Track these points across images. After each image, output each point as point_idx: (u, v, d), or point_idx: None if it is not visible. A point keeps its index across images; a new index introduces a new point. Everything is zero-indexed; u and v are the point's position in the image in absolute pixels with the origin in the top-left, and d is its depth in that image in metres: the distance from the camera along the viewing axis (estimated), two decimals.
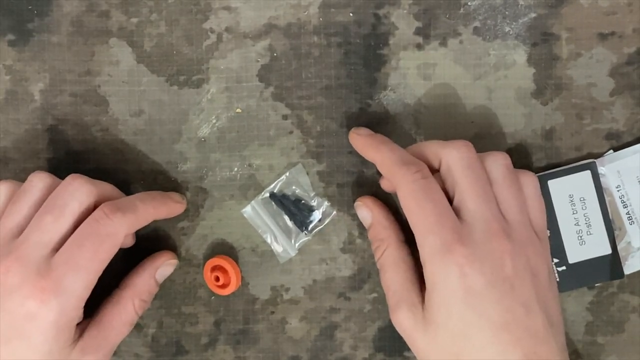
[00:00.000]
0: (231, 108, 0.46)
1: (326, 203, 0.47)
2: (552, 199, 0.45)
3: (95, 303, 0.43)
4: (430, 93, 0.46)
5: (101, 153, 0.47)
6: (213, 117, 0.46)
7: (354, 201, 0.46)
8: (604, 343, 0.47)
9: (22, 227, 0.41)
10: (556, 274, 0.46)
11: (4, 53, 0.46)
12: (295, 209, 0.46)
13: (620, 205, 0.46)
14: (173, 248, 0.47)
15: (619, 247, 0.46)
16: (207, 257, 0.47)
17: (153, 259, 0.46)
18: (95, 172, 0.45)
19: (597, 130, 0.46)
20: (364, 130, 0.45)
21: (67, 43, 0.46)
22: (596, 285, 0.47)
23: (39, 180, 0.42)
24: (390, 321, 0.42)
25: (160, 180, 0.47)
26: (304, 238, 0.47)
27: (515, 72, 0.46)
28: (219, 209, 0.47)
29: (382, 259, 0.43)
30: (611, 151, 0.46)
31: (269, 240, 0.47)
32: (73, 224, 0.41)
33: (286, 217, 0.47)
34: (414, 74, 0.46)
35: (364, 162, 0.46)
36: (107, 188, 0.43)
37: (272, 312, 0.47)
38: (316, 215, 0.47)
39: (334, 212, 0.47)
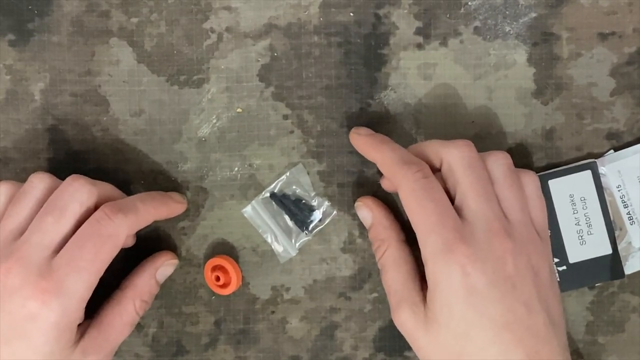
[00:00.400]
0: (231, 108, 0.46)
1: (326, 203, 0.47)
2: (553, 199, 0.45)
3: (96, 304, 0.43)
4: (431, 93, 0.46)
5: (101, 153, 0.46)
6: (213, 117, 0.46)
7: (354, 201, 0.46)
8: (605, 343, 0.47)
9: (23, 228, 0.41)
10: (557, 274, 0.46)
11: (4, 53, 0.46)
12: (295, 209, 0.46)
13: (620, 205, 0.46)
14: (173, 248, 0.47)
15: (619, 247, 0.46)
16: (208, 257, 0.47)
17: (153, 259, 0.45)
18: (95, 172, 0.45)
19: (598, 130, 0.47)
20: (365, 130, 0.45)
21: (68, 43, 0.46)
22: (597, 285, 0.47)
23: (39, 181, 0.42)
24: (390, 321, 0.42)
25: (160, 180, 0.47)
26: (304, 238, 0.47)
27: (516, 71, 0.46)
28: (220, 208, 0.47)
29: (383, 259, 0.43)
30: (612, 151, 0.46)
31: (269, 240, 0.47)
32: (74, 225, 0.41)
33: (286, 217, 0.47)
34: (414, 74, 0.46)
35: (364, 162, 0.46)
36: (108, 188, 0.43)
37: (273, 312, 0.47)
38: (316, 215, 0.47)
39: (335, 212, 0.47)
